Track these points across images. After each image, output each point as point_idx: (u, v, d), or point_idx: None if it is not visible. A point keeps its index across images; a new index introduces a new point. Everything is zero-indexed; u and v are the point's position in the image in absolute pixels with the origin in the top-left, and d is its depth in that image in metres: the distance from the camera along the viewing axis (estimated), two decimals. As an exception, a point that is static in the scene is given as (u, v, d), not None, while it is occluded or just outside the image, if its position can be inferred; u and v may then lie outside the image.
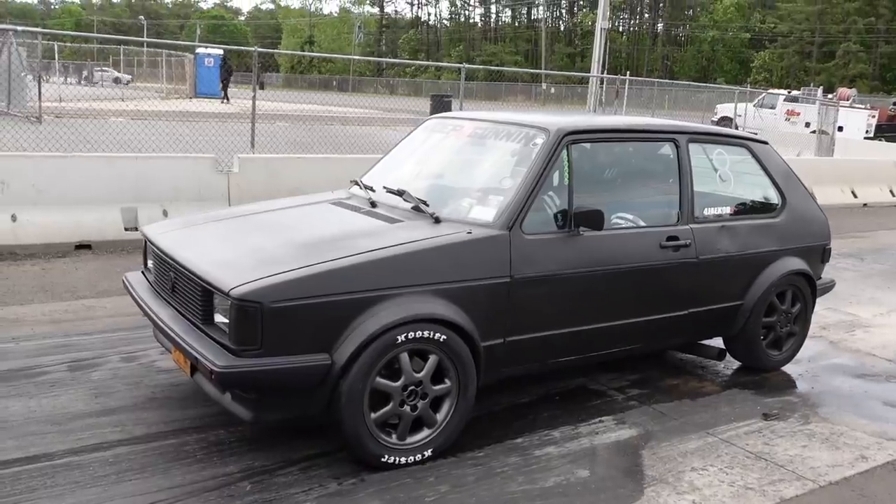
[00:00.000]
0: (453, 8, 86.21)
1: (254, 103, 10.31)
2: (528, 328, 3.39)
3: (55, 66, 25.48)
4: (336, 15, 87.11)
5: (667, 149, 4.04)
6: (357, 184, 4.05)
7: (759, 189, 4.50)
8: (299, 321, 2.84)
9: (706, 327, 4.21)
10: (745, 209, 4.38)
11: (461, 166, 4.04)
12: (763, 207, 4.47)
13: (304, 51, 67.20)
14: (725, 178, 4.38)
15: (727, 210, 4.22)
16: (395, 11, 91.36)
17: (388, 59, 61.64)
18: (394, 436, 3.08)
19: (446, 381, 3.15)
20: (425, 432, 3.15)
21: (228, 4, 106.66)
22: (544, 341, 3.46)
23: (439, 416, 3.16)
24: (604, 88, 18.57)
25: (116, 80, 32.26)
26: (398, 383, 3.03)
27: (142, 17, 76.77)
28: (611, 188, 4.05)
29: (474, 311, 3.16)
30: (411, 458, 3.11)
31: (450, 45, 80.00)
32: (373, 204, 3.72)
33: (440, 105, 17.20)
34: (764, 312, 4.31)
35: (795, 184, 4.55)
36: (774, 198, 4.45)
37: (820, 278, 4.69)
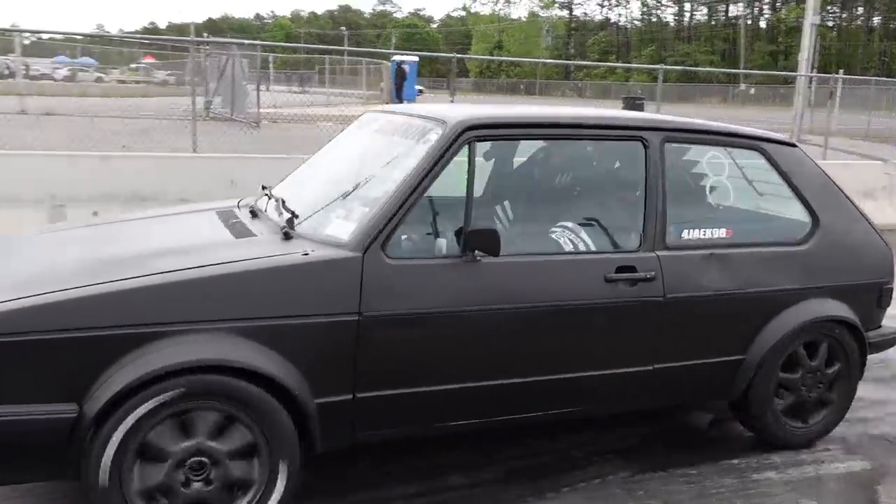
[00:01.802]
0: (645, 8, 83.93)
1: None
2: (392, 381, 2.58)
3: (269, 75, 27.86)
4: (524, 19, 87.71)
5: (631, 150, 3.06)
6: (265, 188, 3.33)
7: (778, 205, 3.45)
8: (36, 360, 2.20)
9: (688, 388, 3.19)
10: (753, 232, 3.30)
11: (357, 169, 3.11)
12: (781, 230, 3.41)
13: (492, 55, 68.48)
14: (721, 190, 3.35)
15: (721, 233, 3.14)
16: (584, 14, 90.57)
17: (577, 62, 61.25)
18: None
19: (253, 458, 2.40)
20: None
21: (422, 13, 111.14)
22: (420, 399, 2.63)
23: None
24: (813, 88, 17.24)
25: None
26: (175, 448, 2.32)
27: (343, 27, 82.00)
28: (538, 201, 3.25)
29: (301, 357, 2.41)
30: None
31: (640, 45, 77.95)
32: (254, 214, 3.07)
33: (632, 108, 16.82)
34: (780, 369, 3.23)
35: (837, 200, 3.38)
36: (801, 217, 3.32)
37: (878, 327, 3.50)
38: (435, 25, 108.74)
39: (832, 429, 3.47)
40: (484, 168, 3.21)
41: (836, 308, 3.27)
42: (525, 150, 3.53)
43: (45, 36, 31.48)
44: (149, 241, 2.87)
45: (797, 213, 3.33)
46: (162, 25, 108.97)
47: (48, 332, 2.20)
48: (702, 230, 3.09)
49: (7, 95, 19.46)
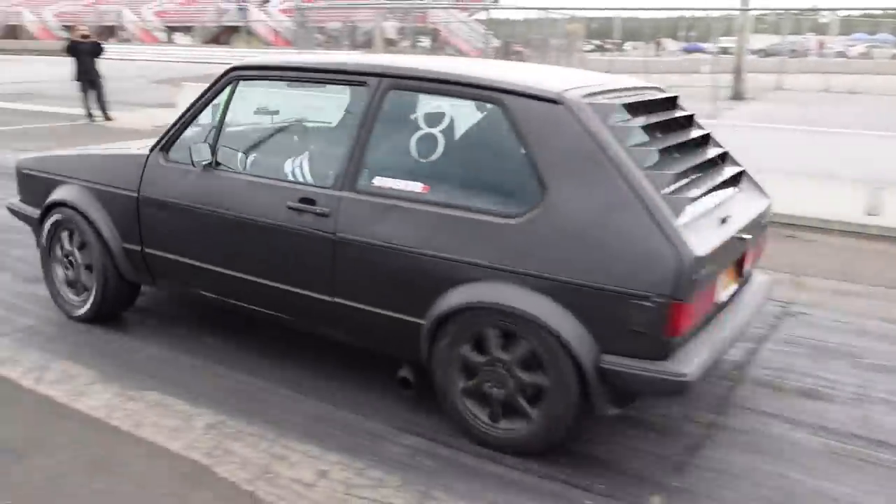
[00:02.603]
0: None
1: None
2: (161, 247, 3.51)
3: None
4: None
5: (358, 94, 3.08)
6: None
7: (502, 168, 2.77)
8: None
9: (373, 334, 3.02)
10: (454, 194, 2.76)
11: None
12: (494, 197, 2.70)
13: None
14: (432, 143, 2.86)
15: (415, 187, 2.80)
16: None
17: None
18: None
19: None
20: None
21: None
22: (180, 266, 3.47)
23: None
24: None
25: None
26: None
27: None
28: (283, 134, 3.67)
29: (115, 214, 3.62)
30: None
31: None
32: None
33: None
34: (470, 347, 2.72)
35: (595, 178, 2.49)
36: (527, 186, 2.60)
37: (653, 358, 2.41)
38: None
39: (532, 450, 2.73)
40: (254, 105, 3.69)
41: (534, 304, 2.54)
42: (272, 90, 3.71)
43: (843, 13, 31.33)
44: None
45: (523, 179, 2.65)
46: None
47: None
48: (395, 181, 2.88)
49: (811, 74, 20.24)
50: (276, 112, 3.77)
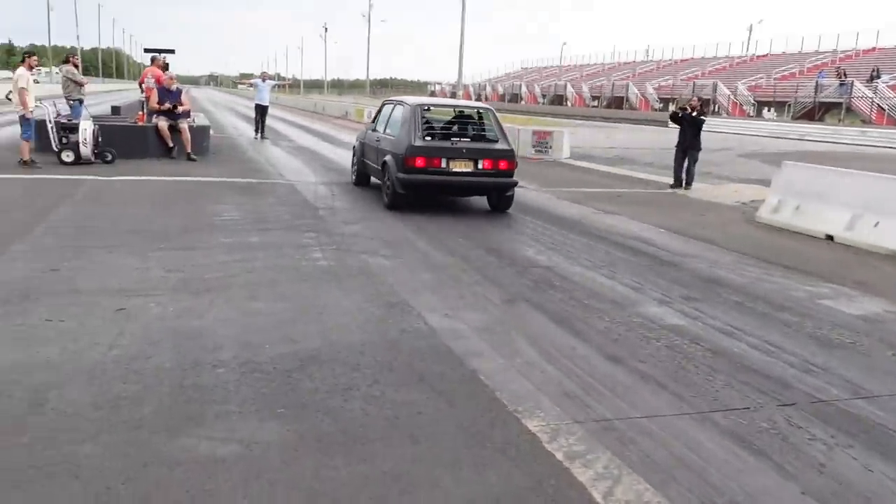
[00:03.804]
0: None
1: None
2: None
3: None
4: None
5: None
6: None
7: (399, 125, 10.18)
8: None
9: None
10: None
11: None
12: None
13: None
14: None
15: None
16: None
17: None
18: None
19: None
20: None
21: None
22: None
23: None
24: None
25: None
26: None
27: None
28: None
29: None
30: None
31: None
32: None
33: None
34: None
35: (408, 124, 9.85)
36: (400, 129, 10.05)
37: None
38: None
39: (388, 205, 9.78)
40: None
41: (387, 158, 9.92)
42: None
43: None
44: None
45: (401, 128, 10.05)
46: None
47: None
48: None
49: None
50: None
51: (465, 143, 9.42)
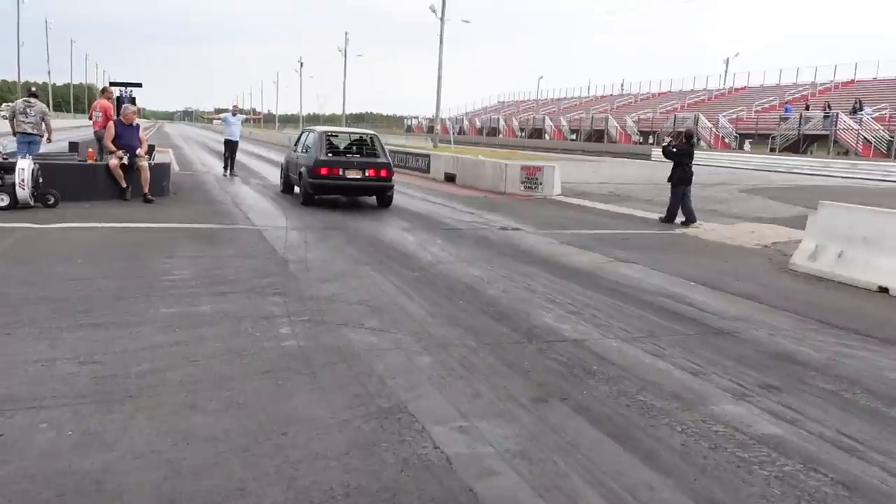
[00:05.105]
0: None
1: None
2: None
3: None
4: None
5: None
6: None
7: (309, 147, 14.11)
8: None
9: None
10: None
11: None
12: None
13: None
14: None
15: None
16: None
17: None
18: None
19: None
20: None
21: None
22: None
23: None
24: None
25: None
26: None
27: None
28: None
29: None
30: None
31: None
32: None
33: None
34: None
35: (315, 147, 13.51)
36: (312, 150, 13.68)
37: None
38: None
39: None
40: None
41: (302, 168, 13.92)
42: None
43: None
44: None
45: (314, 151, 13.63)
46: None
47: None
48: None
49: None
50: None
51: (356, 157, 13.41)
